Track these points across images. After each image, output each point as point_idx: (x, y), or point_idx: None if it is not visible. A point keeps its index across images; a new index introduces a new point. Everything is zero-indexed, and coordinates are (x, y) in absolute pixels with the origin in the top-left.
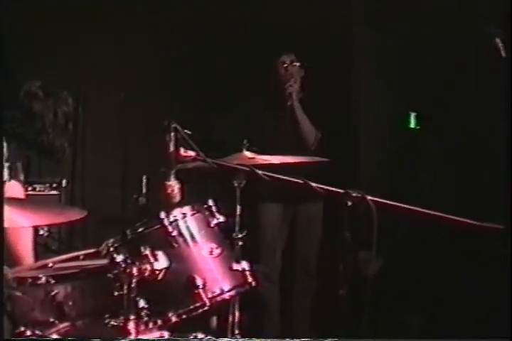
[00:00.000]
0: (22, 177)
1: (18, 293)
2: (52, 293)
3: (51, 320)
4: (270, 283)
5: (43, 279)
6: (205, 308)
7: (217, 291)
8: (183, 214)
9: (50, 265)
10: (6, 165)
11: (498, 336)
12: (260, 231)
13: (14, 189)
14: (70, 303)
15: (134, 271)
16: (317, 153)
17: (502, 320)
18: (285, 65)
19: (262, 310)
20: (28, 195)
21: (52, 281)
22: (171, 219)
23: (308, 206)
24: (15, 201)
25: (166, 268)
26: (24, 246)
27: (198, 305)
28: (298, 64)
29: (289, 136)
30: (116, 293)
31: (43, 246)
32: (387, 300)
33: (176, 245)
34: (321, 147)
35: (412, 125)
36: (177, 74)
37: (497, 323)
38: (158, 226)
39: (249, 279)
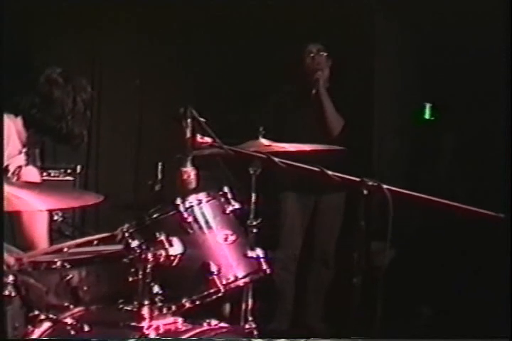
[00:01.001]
0: (39, 163)
1: (32, 280)
2: (67, 278)
3: (65, 304)
4: (286, 272)
5: (58, 264)
6: (219, 295)
7: (232, 278)
8: (199, 200)
9: (65, 250)
10: (24, 150)
11: (498, 336)
12: (277, 219)
13: (31, 174)
14: (85, 288)
15: (149, 256)
16: (339, 141)
17: (502, 320)
18: (312, 55)
19: (275, 298)
20: (43, 180)
21: (68, 266)
22: (187, 205)
23: (330, 196)
24: (33, 185)
25: (181, 254)
26: (39, 230)
27: (212, 291)
28: (325, 54)
29: (315, 126)
30: (130, 279)
31: (57, 232)
32: (396, 291)
33: (191, 231)
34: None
35: (427, 116)
36: (197, 61)
37: (497, 323)
38: (173, 212)
39: (264, 266)
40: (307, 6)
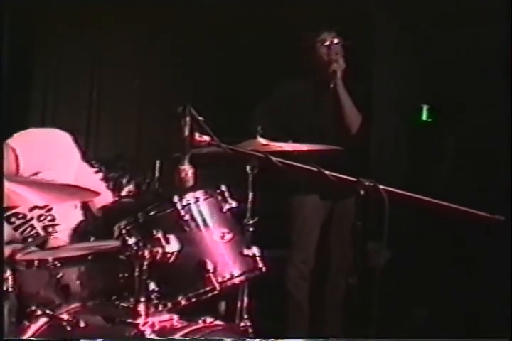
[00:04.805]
0: None
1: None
2: (62, 275)
3: (59, 301)
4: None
5: (50, 262)
6: (215, 292)
7: (228, 276)
8: (196, 198)
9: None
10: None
11: (498, 336)
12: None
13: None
14: (81, 284)
15: (146, 253)
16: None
17: (502, 320)
18: (326, 44)
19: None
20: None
21: (64, 263)
22: (184, 203)
23: (344, 200)
24: (31, 181)
25: (178, 252)
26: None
27: (207, 289)
28: (339, 42)
29: (330, 123)
30: (127, 275)
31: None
32: (393, 292)
33: (187, 229)
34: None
35: (425, 118)
36: (196, 59)
37: (497, 323)
38: (170, 209)
39: (260, 265)
40: None
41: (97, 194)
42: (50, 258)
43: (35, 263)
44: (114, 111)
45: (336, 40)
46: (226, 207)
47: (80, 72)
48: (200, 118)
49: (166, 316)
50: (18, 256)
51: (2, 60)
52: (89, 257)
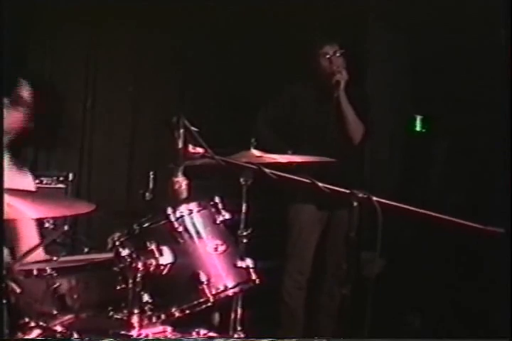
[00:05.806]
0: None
1: (18, 289)
2: (57, 286)
3: (55, 312)
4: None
5: (48, 272)
6: (209, 304)
7: (221, 288)
8: (190, 210)
9: (55, 258)
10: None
11: (498, 336)
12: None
13: (25, 181)
14: (75, 296)
15: (139, 265)
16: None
17: (502, 320)
18: (328, 56)
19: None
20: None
21: (58, 274)
22: (178, 214)
23: (340, 210)
24: (25, 193)
25: (171, 264)
26: (32, 238)
27: (201, 300)
28: (340, 54)
29: (332, 135)
30: (121, 287)
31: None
32: (388, 301)
33: (181, 241)
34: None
35: (418, 128)
36: (191, 70)
37: (497, 323)
38: (164, 221)
39: (253, 276)
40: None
41: (91, 207)
42: (48, 269)
43: (34, 272)
44: (108, 122)
45: (338, 53)
46: (220, 218)
47: (77, 74)
48: (194, 129)
49: (159, 328)
50: (16, 266)
51: (2, 59)
52: (83, 269)
